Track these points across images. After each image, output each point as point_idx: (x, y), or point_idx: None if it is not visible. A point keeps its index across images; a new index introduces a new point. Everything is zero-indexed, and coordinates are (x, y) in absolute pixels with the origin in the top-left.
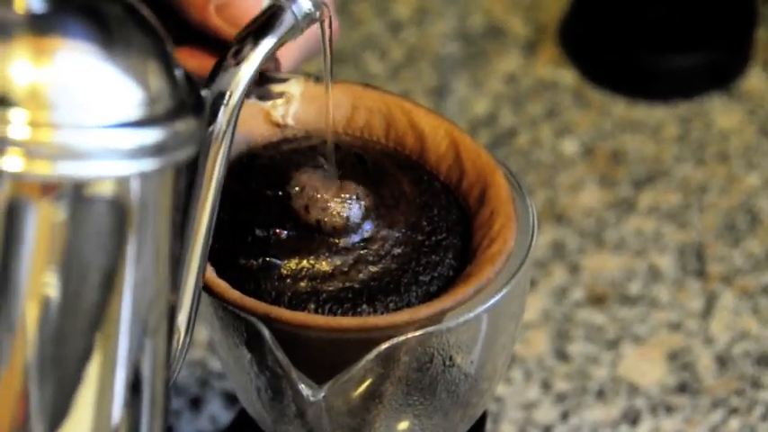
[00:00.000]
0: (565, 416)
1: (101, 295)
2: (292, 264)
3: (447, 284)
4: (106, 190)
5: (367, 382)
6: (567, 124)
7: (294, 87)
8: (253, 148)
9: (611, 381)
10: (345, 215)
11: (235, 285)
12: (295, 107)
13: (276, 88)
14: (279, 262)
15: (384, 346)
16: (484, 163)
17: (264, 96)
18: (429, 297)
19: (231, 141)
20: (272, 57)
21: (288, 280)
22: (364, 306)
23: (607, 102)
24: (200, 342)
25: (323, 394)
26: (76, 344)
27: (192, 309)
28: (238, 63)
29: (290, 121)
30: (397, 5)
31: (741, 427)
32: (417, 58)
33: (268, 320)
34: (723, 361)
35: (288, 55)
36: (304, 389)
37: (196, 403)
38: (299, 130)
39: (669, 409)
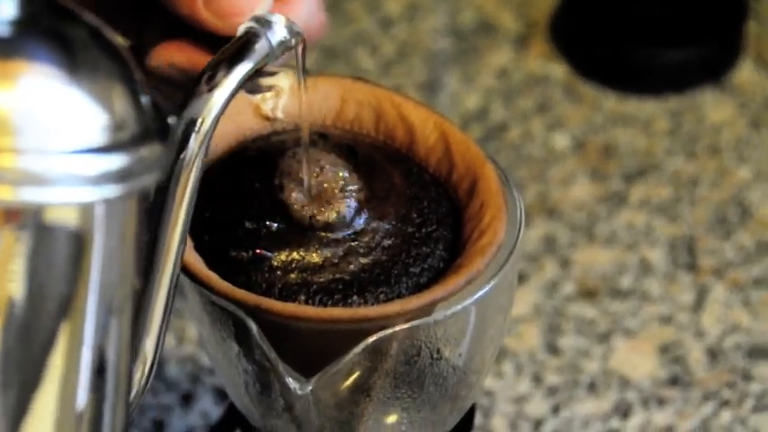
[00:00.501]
0: (556, 409)
1: (59, 325)
2: (283, 256)
3: (437, 276)
4: (69, 216)
5: (355, 375)
6: (559, 118)
7: (283, 81)
8: (242, 142)
9: (602, 374)
10: (341, 212)
11: (225, 278)
12: (284, 100)
13: (265, 82)
14: (269, 254)
15: (372, 338)
16: (473, 156)
17: (254, 90)
18: (419, 288)
19: (201, 167)
20: (244, 84)
21: (278, 272)
22: (355, 297)
23: (598, 96)
24: (190, 338)
25: (310, 387)
26: (32, 365)
27: (160, 334)
28: (211, 89)
29: (279, 114)
30: (388, 2)
31: (732, 419)
32: (409, 53)
33: (259, 311)
34: (714, 354)
35: None
36: (291, 382)
37: (187, 399)
38: (289, 123)
39: (660, 402)
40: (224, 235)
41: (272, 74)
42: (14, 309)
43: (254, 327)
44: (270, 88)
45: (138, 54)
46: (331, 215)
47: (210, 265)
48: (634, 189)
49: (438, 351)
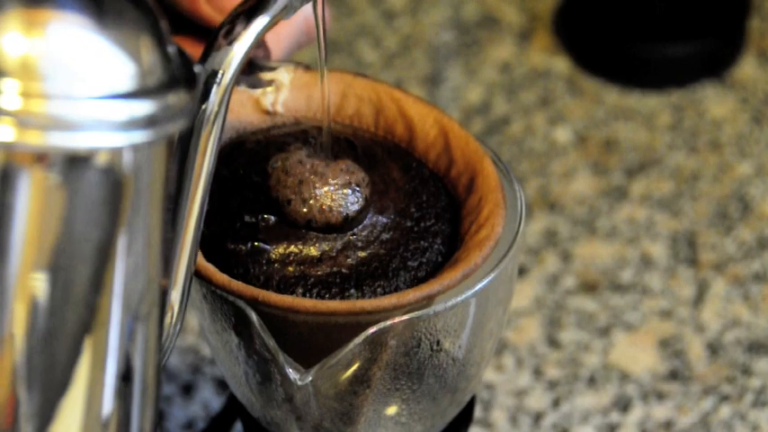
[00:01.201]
0: (556, 403)
1: (94, 272)
2: (281, 248)
3: (435, 270)
4: (98, 161)
5: (354, 367)
6: (561, 112)
7: (284, 75)
8: (242, 136)
9: (602, 368)
10: (344, 210)
11: (223, 270)
12: (284, 95)
13: (266, 76)
14: (267, 247)
15: (371, 330)
16: (472, 151)
17: (254, 84)
18: (417, 282)
19: (224, 121)
20: (264, 36)
21: (276, 264)
22: (352, 291)
23: (600, 90)
24: (191, 328)
25: (310, 378)
26: (67, 333)
27: (185, 286)
28: (230, 42)
29: (279, 108)
30: None
31: (732, 414)
32: (411, 46)
33: (256, 303)
34: (714, 348)
35: (277, 45)
36: (291, 373)
37: (188, 389)
38: (289, 117)
39: (660, 397)
40: (223, 228)
41: (272, 68)
42: (48, 255)
43: (254, 316)
44: (270, 82)
45: None
46: (334, 217)
47: (209, 257)
48: (635, 183)
49: (438, 343)
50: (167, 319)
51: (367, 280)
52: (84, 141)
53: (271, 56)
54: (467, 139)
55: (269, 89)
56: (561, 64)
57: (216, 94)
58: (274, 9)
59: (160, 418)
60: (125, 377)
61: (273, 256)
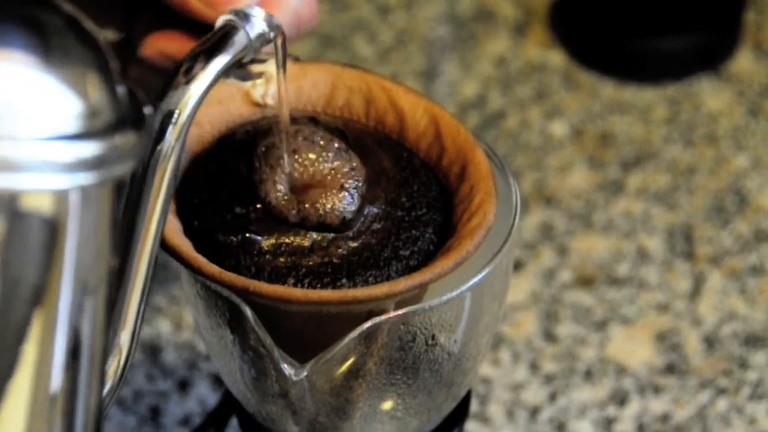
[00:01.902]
0: (553, 397)
1: (33, 311)
2: (272, 240)
3: (427, 259)
4: (43, 203)
5: (350, 362)
6: (556, 106)
7: (273, 67)
8: (231, 128)
9: (599, 362)
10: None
11: (215, 262)
12: (274, 87)
13: (255, 68)
14: (258, 238)
15: (366, 324)
16: (463, 140)
17: (244, 77)
18: (409, 271)
19: (179, 159)
20: (221, 77)
21: (267, 256)
22: (344, 281)
23: (596, 84)
24: (187, 324)
25: (305, 374)
26: (15, 310)
27: (135, 329)
28: (188, 81)
29: (269, 100)
30: None
31: (729, 407)
32: (406, 41)
33: (247, 294)
34: (711, 342)
35: None
36: (287, 368)
37: (184, 385)
38: (279, 109)
39: (657, 390)
40: (213, 220)
41: (261, 61)
42: None
43: (248, 312)
44: (260, 75)
45: (130, 45)
46: (329, 219)
47: (200, 249)
48: (631, 177)
49: (433, 337)
50: (114, 364)
51: (359, 270)
52: (29, 183)
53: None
54: (458, 129)
55: (258, 81)
56: (557, 58)
57: (171, 134)
58: (234, 49)
59: (156, 413)
60: (74, 352)
61: (264, 248)
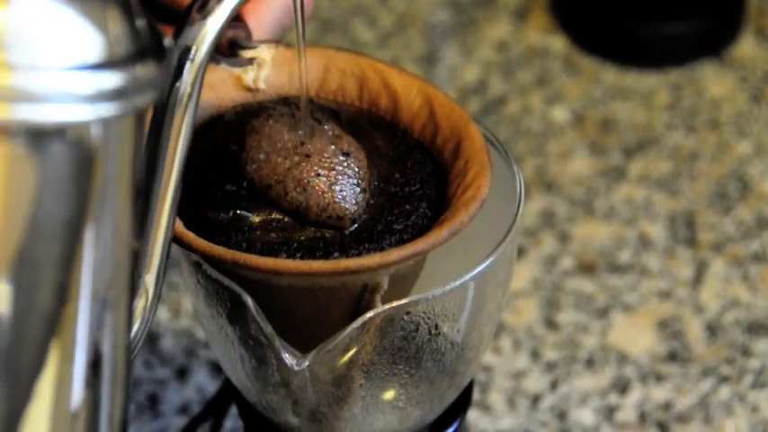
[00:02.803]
0: (554, 385)
1: (62, 253)
2: (263, 215)
3: (422, 233)
4: (65, 135)
5: (352, 352)
6: (558, 92)
7: (265, 52)
8: (222, 112)
9: (600, 349)
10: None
11: (206, 239)
12: (266, 71)
13: (247, 54)
14: (249, 214)
15: (369, 314)
16: (457, 117)
17: (235, 64)
18: (403, 244)
19: (198, 99)
20: (239, 10)
21: (258, 231)
22: (336, 254)
23: (598, 69)
24: (186, 311)
25: (307, 363)
26: (33, 322)
27: (159, 269)
28: (204, 17)
29: (261, 84)
30: None
31: (731, 395)
32: (407, 25)
33: (237, 267)
34: (713, 329)
35: (259, 27)
36: (288, 358)
37: (182, 373)
38: (271, 94)
39: (659, 378)
40: (204, 198)
41: (253, 47)
42: (17, 233)
43: (249, 301)
44: (251, 60)
45: None
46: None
47: (191, 227)
48: (633, 163)
49: (436, 327)
50: (140, 303)
51: (352, 244)
52: (50, 114)
53: (252, 37)
54: (452, 107)
55: (250, 66)
56: (558, 43)
57: (189, 71)
58: None
59: (154, 401)
60: (94, 365)
61: (255, 223)
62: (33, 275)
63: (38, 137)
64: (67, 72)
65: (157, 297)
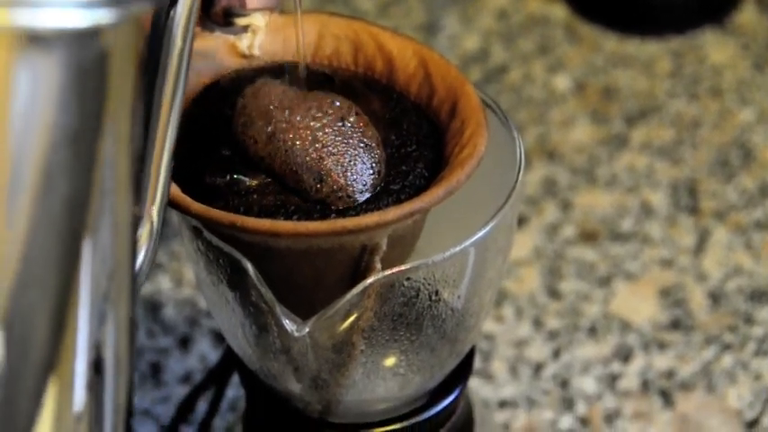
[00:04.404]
0: (556, 353)
1: (62, 157)
2: (259, 179)
3: (419, 193)
4: (66, 42)
5: (352, 318)
6: (559, 60)
7: (259, 19)
8: (217, 80)
9: (603, 318)
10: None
11: (203, 204)
12: (261, 38)
13: (241, 21)
14: (245, 178)
15: (369, 280)
16: (453, 78)
17: (230, 32)
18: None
19: (194, 28)
20: None
21: (255, 195)
22: (333, 216)
23: (599, 37)
24: (188, 281)
25: (307, 330)
26: (34, 322)
27: (162, 198)
28: None
29: (256, 51)
30: None
31: (734, 363)
32: None
33: (234, 229)
34: (716, 297)
35: None
36: (288, 324)
37: (185, 342)
38: (266, 60)
39: (661, 346)
40: (200, 163)
41: (247, 14)
42: (13, 137)
43: (250, 268)
44: (246, 28)
45: None
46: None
47: (187, 192)
48: (635, 131)
49: (436, 293)
50: (145, 232)
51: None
52: (47, 19)
53: (246, 5)
54: (447, 68)
55: (244, 34)
56: (559, 11)
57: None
58: None
59: (156, 370)
60: (96, 367)
61: (252, 187)
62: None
63: (37, 43)
64: None
65: (160, 229)
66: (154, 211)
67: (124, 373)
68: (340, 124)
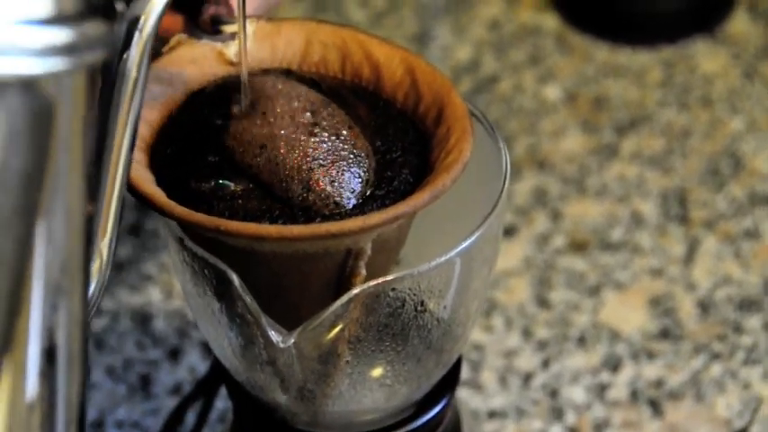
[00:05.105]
0: (546, 363)
1: (9, 202)
2: (244, 184)
3: (404, 198)
4: (18, 88)
5: (337, 328)
6: (550, 70)
7: (247, 27)
8: (204, 86)
9: (592, 327)
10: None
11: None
12: (248, 45)
13: (228, 29)
14: (230, 183)
15: (355, 291)
16: (439, 84)
17: (217, 39)
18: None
19: (147, 71)
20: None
21: (239, 200)
22: (318, 221)
23: (590, 47)
24: (178, 292)
25: (293, 341)
26: None
27: (113, 234)
28: None
29: None
30: None
31: (723, 372)
32: (399, 4)
33: (218, 233)
34: (705, 306)
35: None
36: (274, 335)
37: (174, 354)
38: (253, 67)
39: (651, 356)
40: (185, 169)
41: (234, 22)
42: None
43: (235, 279)
44: (233, 35)
45: None
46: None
47: (173, 197)
48: (626, 141)
49: (422, 303)
50: (95, 267)
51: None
52: (1, 67)
53: (233, 14)
54: (434, 75)
55: (232, 41)
56: (550, 21)
57: (138, 41)
58: None
59: (146, 382)
60: (49, 355)
61: (237, 192)
62: None
63: None
64: (16, 26)
65: (110, 262)
66: (104, 245)
67: (77, 367)
68: (334, 138)
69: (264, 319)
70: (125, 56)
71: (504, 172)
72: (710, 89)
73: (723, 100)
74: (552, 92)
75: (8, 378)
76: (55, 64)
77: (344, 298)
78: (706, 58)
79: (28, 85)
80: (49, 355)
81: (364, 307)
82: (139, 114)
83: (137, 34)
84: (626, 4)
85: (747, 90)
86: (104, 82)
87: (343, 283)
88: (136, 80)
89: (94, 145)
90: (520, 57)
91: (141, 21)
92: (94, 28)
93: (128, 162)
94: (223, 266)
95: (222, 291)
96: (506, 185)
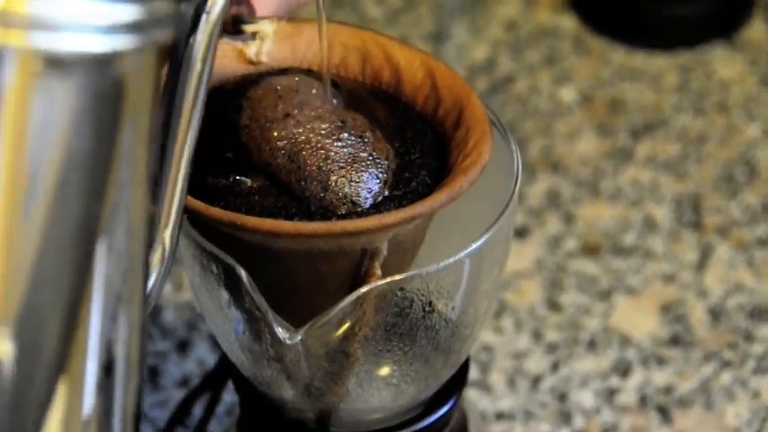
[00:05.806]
0: (555, 366)
1: (75, 180)
2: (261, 180)
3: (421, 199)
4: (85, 66)
5: (345, 326)
6: (566, 71)
7: (267, 26)
8: (224, 84)
9: (602, 332)
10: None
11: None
12: (269, 45)
13: (249, 28)
14: (247, 180)
15: (363, 289)
16: (459, 88)
17: (238, 39)
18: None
19: (213, 54)
20: None
21: (256, 196)
22: (334, 219)
23: (607, 49)
24: (188, 285)
25: (300, 338)
26: (47, 322)
27: (175, 222)
28: None
29: (264, 58)
30: None
31: (733, 380)
32: (416, 3)
33: (234, 228)
34: (716, 314)
35: (262, 4)
36: (281, 332)
37: (183, 346)
38: (273, 67)
39: (661, 362)
40: (203, 164)
41: (255, 21)
42: (28, 164)
43: (243, 275)
44: (254, 35)
45: None
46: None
47: (189, 192)
48: (640, 145)
49: (430, 304)
50: (157, 257)
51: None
52: (67, 44)
53: (255, 14)
54: (453, 78)
55: (252, 41)
56: (568, 22)
57: (205, 24)
58: None
59: (154, 374)
60: (107, 368)
61: (253, 188)
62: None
63: (56, 66)
64: (84, 3)
65: (173, 252)
66: (167, 234)
67: (134, 377)
68: (356, 140)
69: (272, 316)
70: (191, 40)
71: (515, 174)
72: (727, 95)
73: (739, 106)
74: (568, 93)
75: (64, 397)
76: (123, 42)
77: (353, 296)
78: (723, 63)
79: (96, 63)
80: (107, 368)
81: (372, 306)
82: (205, 99)
83: (204, 17)
84: (645, 7)
85: (764, 97)
86: (171, 65)
87: (358, 283)
88: (203, 62)
89: (160, 127)
90: (536, 57)
91: (209, 2)
92: (162, 6)
93: (191, 151)
94: (231, 262)
95: (230, 286)
96: (518, 188)
